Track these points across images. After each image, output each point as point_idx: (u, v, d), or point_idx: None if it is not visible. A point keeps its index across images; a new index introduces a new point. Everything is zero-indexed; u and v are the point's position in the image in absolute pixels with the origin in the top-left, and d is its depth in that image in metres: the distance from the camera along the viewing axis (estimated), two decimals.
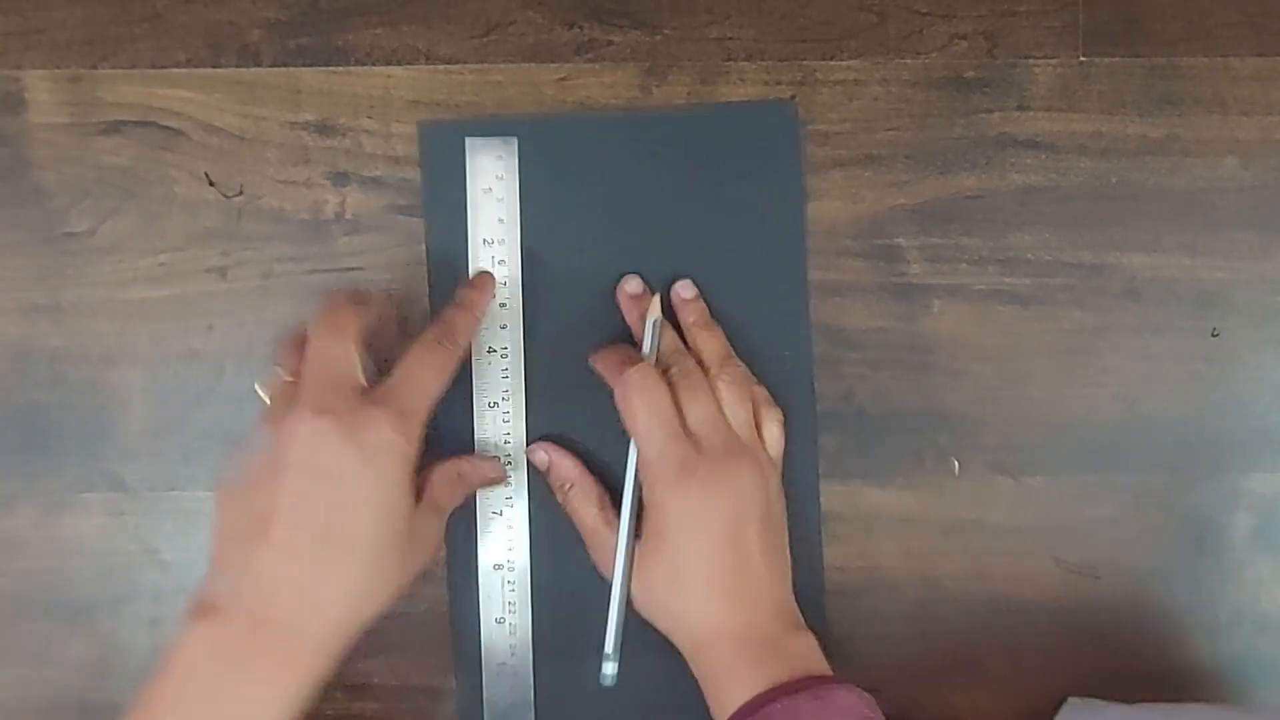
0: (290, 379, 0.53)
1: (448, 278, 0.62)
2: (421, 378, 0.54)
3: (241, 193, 0.62)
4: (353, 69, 0.62)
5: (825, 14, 0.63)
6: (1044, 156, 0.63)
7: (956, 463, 0.64)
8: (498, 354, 0.62)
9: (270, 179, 0.62)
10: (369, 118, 0.62)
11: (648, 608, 0.58)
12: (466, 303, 0.59)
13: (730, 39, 0.63)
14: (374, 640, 0.62)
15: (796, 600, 0.61)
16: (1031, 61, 0.63)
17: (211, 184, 0.62)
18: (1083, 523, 0.64)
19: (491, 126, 0.62)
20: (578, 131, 0.62)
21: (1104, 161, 0.63)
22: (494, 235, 0.62)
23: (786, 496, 0.61)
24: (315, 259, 0.62)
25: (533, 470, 0.62)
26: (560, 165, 0.62)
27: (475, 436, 0.62)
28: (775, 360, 0.63)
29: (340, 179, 0.62)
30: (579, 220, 0.63)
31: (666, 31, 0.63)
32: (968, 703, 0.64)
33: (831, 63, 0.63)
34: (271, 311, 0.62)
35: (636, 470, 0.58)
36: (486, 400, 0.62)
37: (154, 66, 0.62)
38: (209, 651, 0.48)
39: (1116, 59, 0.63)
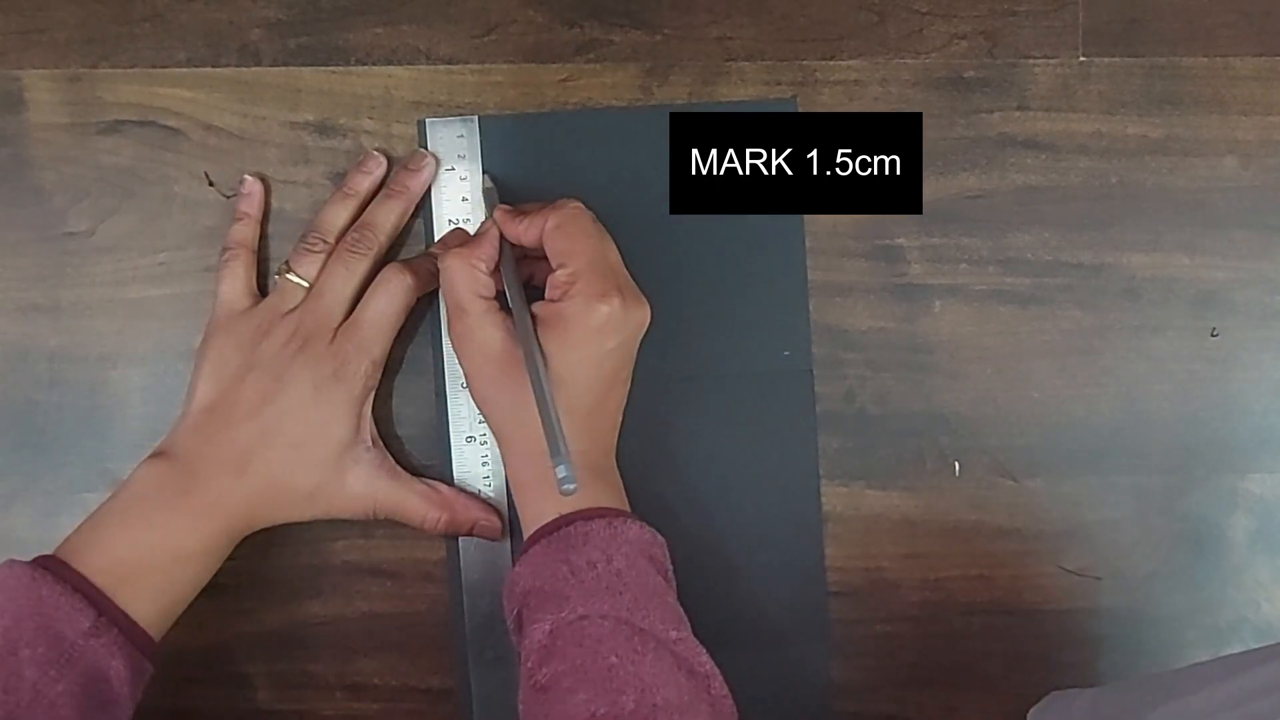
0: (304, 284, 0.59)
1: None
2: (374, 316, 0.59)
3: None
4: (353, 69, 0.62)
5: (825, 14, 0.63)
6: (1044, 156, 0.63)
7: (957, 465, 0.64)
8: None
9: (270, 179, 0.62)
10: (369, 118, 0.62)
11: (497, 405, 0.58)
12: (438, 252, 0.61)
13: (731, 39, 0.63)
14: (374, 640, 0.63)
15: (796, 600, 0.62)
16: (1031, 61, 0.63)
17: (211, 184, 0.62)
18: (1083, 525, 0.64)
19: (501, 124, 0.62)
20: (579, 126, 0.63)
21: (1104, 161, 0.64)
22: (459, 215, 0.62)
23: (786, 496, 0.62)
24: None
25: None
26: (559, 157, 0.63)
27: (449, 413, 0.62)
28: (775, 360, 0.63)
29: (341, 179, 0.62)
30: None
31: (667, 31, 0.63)
32: (968, 704, 0.64)
33: (831, 63, 0.63)
34: None
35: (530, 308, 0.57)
36: (459, 382, 0.62)
37: (154, 66, 0.62)
38: (152, 484, 0.56)
39: (1116, 59, 0.64)
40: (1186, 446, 0.64)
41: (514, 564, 0.56)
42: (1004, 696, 0.64)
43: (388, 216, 0.60)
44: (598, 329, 0.55)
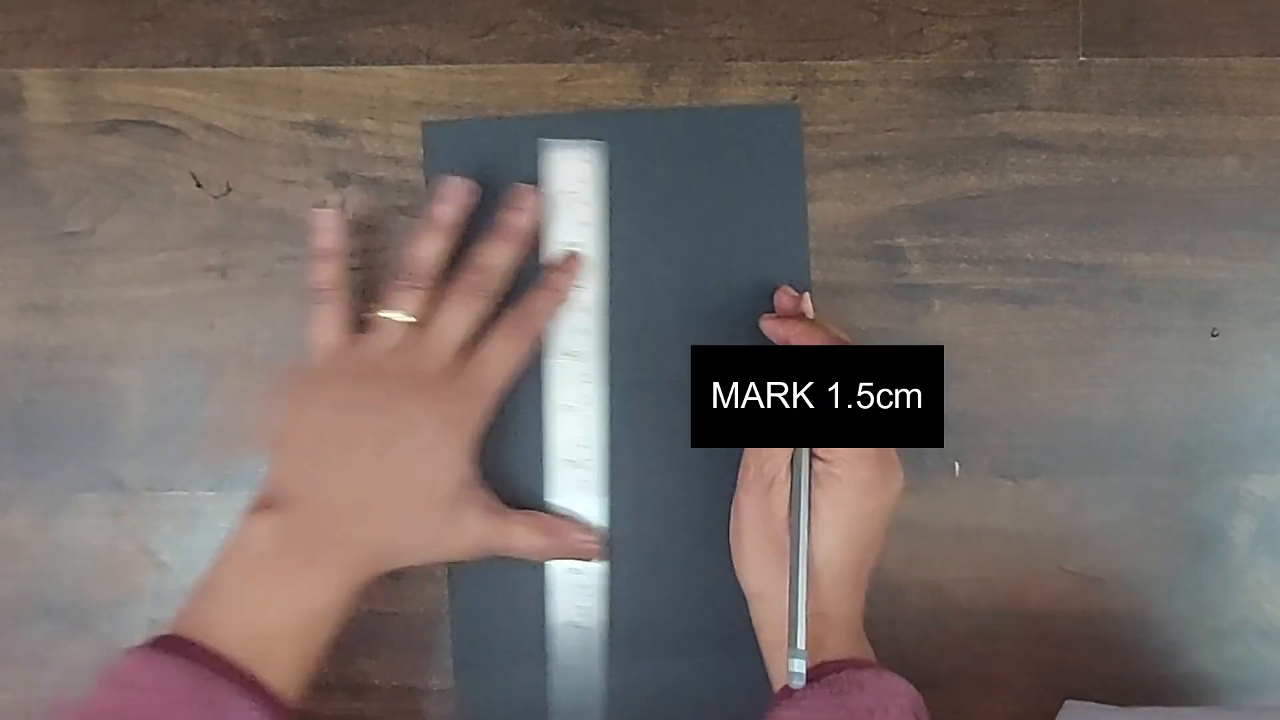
0: (405, 320, 0.58)
1: None
2: (497, 361, 0.58)
3: (229, 191, 0.62)
4: (353, 69, 0.62)
5: (825, 14, 0.63)
6: (1044, 156, 0.63)
7: (957, 465, 0.64)
8: (574, 358, 0.62)
9: (270, 179, 0.62)
10: (370, 118, 0.62)
11: (755, 570, 0.58)
12: (550, 284, 0.61)
13: (731, 39, 0.63)
14: (374, 640, 0.63)
15: None
16: (1031, 61, 0.64)
17: (199, 185, 0.62)
18: (1085, 527, 0.64)
19: (496, 126, 0.62)
20: (579, 128, 0.62)
21: (1104, 161, 0.64)
22: (574, 239, 0.62)
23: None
24: None
25: (613, 471, 0.62)
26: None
27: (546, 439, 0.62)
28: None
29: (341, 179, 0.62)
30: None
31: (667, 31, 0.63)
32: (968, 706, 0.64)
33: (832, 63, 0.63)
34: (271, 311, 0.62)
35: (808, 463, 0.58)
36: (559, 406, 0.62)
37: (154, 66, 0.62)
38: (268, 539, 0.53)
39: (1116, 59, 0.64)
40: (1188, 447, 0.64)
41: (773, 703, 0.56)
42: (1005, 698, 0.64)
43: (500, 258, 0.59)
44: (864, 487, 0.56)
